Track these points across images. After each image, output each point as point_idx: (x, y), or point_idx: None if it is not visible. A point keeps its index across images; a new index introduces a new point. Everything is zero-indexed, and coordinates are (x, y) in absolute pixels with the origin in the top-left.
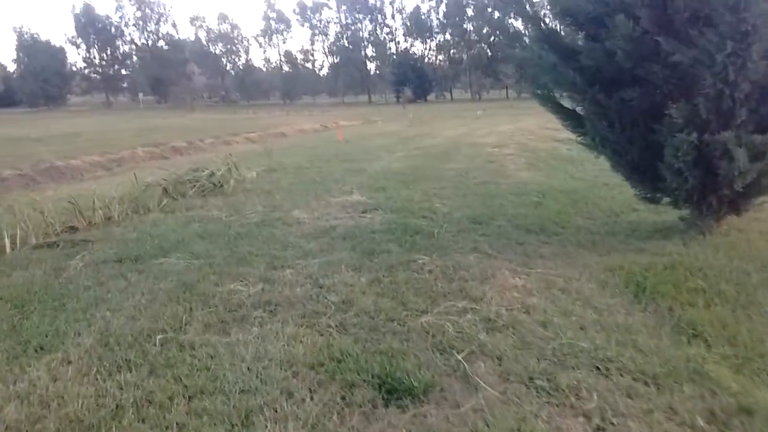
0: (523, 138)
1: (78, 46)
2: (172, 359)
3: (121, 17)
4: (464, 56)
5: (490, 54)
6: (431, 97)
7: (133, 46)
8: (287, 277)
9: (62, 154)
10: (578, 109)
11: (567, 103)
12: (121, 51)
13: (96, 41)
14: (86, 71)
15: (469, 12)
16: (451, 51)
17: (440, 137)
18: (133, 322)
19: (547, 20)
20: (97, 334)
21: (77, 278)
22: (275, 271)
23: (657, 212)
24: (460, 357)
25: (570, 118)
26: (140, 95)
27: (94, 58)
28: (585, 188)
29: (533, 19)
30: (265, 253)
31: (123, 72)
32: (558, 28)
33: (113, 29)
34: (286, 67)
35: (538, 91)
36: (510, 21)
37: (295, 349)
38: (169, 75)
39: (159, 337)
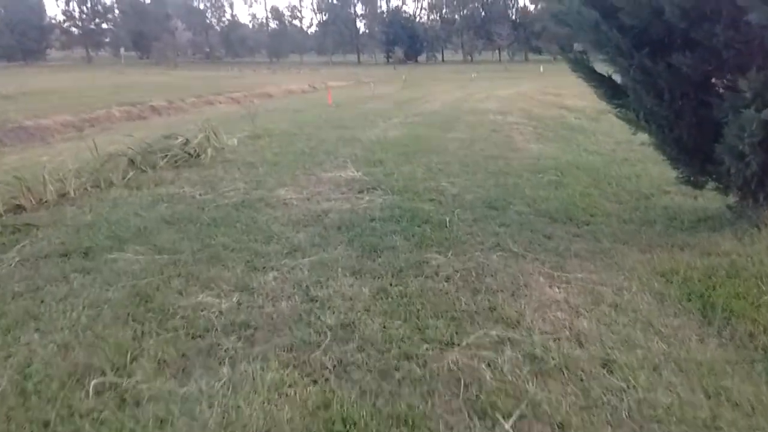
0: (524, 104)
1: None
2: (105, 424)
3: None
4: (457, 16)
5: (483, 14)
6: (422, 58)
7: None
8: (270, 285)
9: (32, 113)
10: (614, 76)
11: (600, 69)
12: (102, 4)
13: None
14: (66, 25)
15: None
16: (444, 10)
17: (437, 102)
18: (65, 353)
19: None
20: (14, 371)
21: (8, 281)
22: (255, 274)
23: (692, 196)
24: (508, 426)
25: (605, 87)
26: (122, 51)
27: (74, 11)
28: (604, 164)
29: None
30: (243, 248)
31: (104, 26)
32: None
33: None
34: (273, 24)
35: (570, 54)
36: None
37: (279, 411)
38: (152, 30)
39: (94, 381)
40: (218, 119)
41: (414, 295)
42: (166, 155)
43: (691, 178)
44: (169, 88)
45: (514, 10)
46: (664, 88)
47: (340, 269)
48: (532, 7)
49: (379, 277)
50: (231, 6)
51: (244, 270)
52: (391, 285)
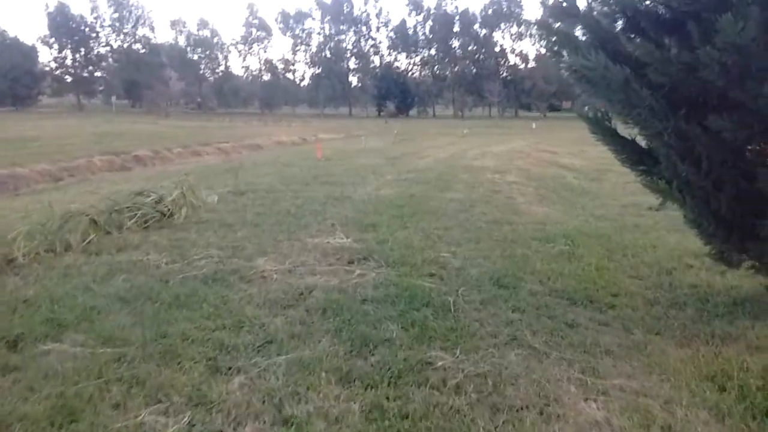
0: (521, 162)
1: (51, 46)
2: None
3: (96, 18)
4: (448, 73)
5: (474, 71)
6: (413, 112)
7: (109, 48)
8: (234, 396)
9: (10, 161)
10: (638, 139)
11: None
12: (96, 52)
13: (69, 42)
14: (58, 72)
15: (456, 28)
16: (435, 67)
17: (430, 157)
18: None
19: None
20: None
21: None
22: (217, 379)
23: (719, 272)
24: None
25: (629, 151)
26: (113, 99)
27: (66, 58)
28: (614, 231)
29: (584, 18)
30: (207, 338)
31: (97, 74)
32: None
33: (87, 29)
34: (266, 76)
35: (590, 114)
36: (496, 39)
37: None
38: (145, 79)
39: None
40: (202, 172)
41: (417, 415)
42: (135, 214)
43: (725, 255)
44: (156, 138)
45: (504, 67)
46: (702, 154)
47: (323, 373)
48: (522, 66)
49: (372, 386)
50: (225, 58)
51: (203, 372)
52: (387, 399)
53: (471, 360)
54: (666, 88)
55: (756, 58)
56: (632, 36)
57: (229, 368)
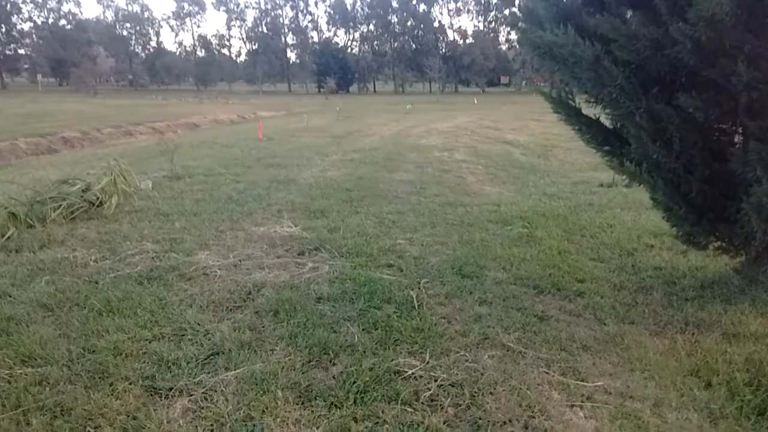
0: (467, 139)
1: None
2: None
3: None
4: (388, 49)
5: (414, 47)
6: (353, 88)
7: (32, 24)
8: (176, 426)
9: None
10: (602, 117)
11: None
12: (19, 29)
13: None
14: None
15: (394, 3)
16: (375, 43)
17: (376, 136)
18: None
19: None
20: None
21: None
22: (156, 404)
23: (680, 251)
24: None
25: (593, 131)
26: (39, 77)
27: None
28: (570, 211)
29: None
30: (143, 351)
31: (21, 52)
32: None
33: (9, 6)
34: (200, 52)
35: (553, 93)
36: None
37: None
38: (72, 56)
39: None
40: (134, 154)
41: None
42: (60, 205)
43: (693, 237)
44: (86, 117)
45: (443, 43)
46: (674, 135)
47: (279, 391)
48: (461, 42)
49: (336, 405)
50: (157, 34)
51: (140, 396)
52: (355, 420)
53: (443, 366)
54: (633, 65)
55: (729, 34)
56: (592, 11)
57: (170, 389)
